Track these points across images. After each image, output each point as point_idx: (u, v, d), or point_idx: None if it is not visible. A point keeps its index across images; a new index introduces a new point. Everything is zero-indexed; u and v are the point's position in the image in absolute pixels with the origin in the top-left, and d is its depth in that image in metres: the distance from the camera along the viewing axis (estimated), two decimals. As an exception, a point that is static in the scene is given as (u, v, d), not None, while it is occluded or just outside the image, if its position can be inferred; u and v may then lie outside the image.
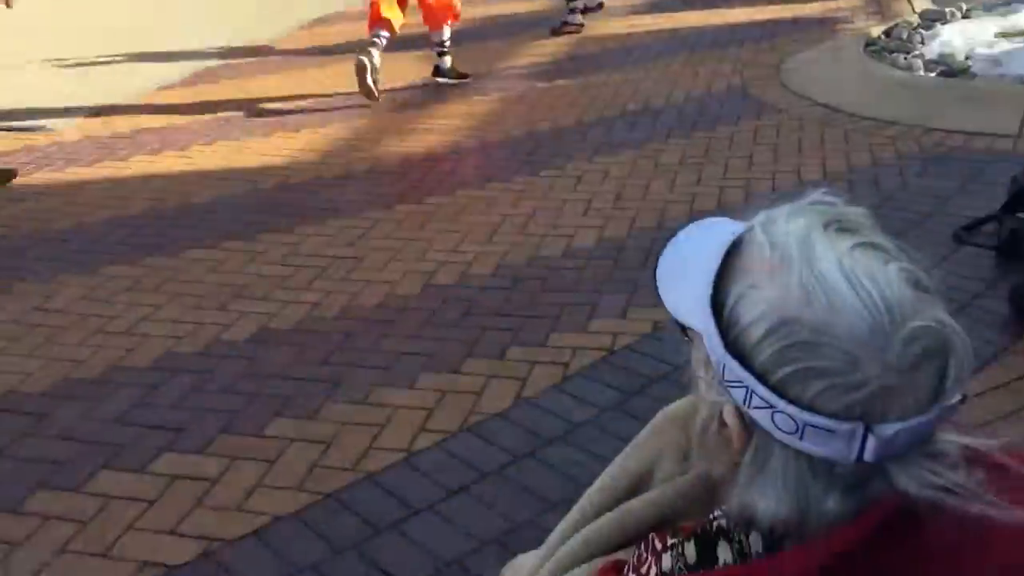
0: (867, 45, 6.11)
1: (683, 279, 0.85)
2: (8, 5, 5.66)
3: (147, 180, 4.98)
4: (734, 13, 8.23)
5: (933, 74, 5.50)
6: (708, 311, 0.78)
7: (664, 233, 4.02)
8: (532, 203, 4.43)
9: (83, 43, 8.27)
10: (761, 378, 0.74)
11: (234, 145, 5.50)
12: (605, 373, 2.99)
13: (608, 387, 2.91)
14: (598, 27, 8.07)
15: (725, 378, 0.76)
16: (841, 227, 0.79)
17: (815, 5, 8.36)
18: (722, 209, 4.19)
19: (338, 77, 6.71)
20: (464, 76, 6.55)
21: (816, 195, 0.84)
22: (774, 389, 0.73)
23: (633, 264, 3.72)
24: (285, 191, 4.77)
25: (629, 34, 7.73)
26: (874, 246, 0.77)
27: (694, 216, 3.99)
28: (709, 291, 0.78)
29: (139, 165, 5.21)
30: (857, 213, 0.81)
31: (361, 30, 6.86)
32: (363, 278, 3.76)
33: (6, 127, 5.96)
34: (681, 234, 0.93)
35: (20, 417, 2.93)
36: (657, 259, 0.92)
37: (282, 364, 3.15)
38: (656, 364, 2.99)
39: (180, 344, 3.32)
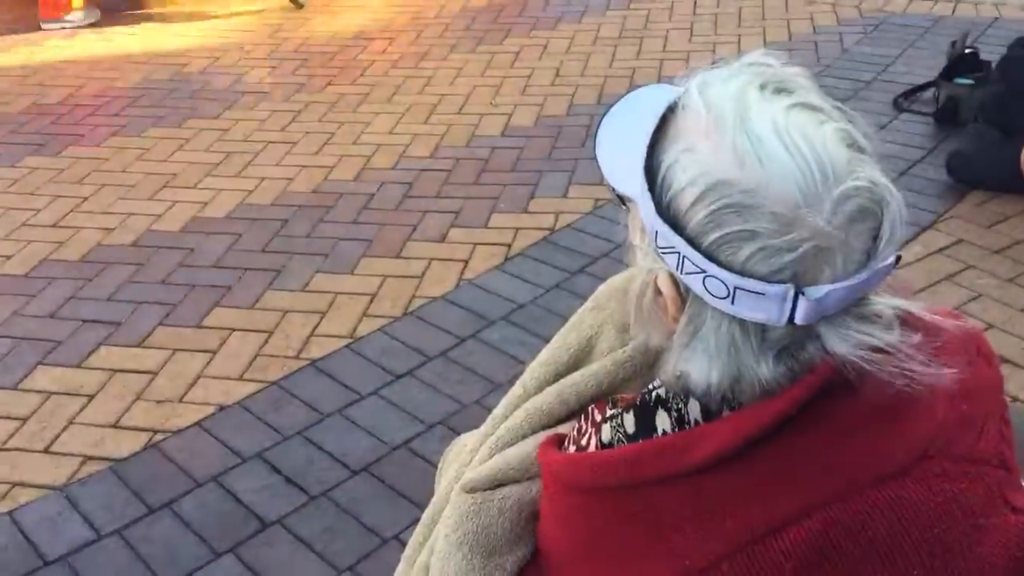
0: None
1: (620, 146, 0.82)
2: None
3: (65, 65, 4.74)
4: None
5: (874, -61, 5.40)
6: (642, 177, 0.75)
7: (603, 109, 3.96)
8: (470, 81, 4.32)
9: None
10: (693, 242, 0.72)
11: (157, 27, 5.24)
12: (547, 252, 2.98)
13: (551, 267, 2.90)
14: None
15: (659, 244, 0.75)
16: (778, 88, 0.76)
17: None
18: (662, 82, 4.12)
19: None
20: None
21: (754, 56, 0.81)
22: (706, 254, 0.71)
23: (573, 142, 3.67)
24: (212, 75, 4.58)
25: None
26: (810, 107, 0.75)
27: (632, 90, 3.93)
28: (643, 156, 0.76)
29: (55, 49, 4.94)
30: (794, 73, 0.78)
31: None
32: (297, 163, 3.66)
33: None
34: (619, 101, 0.90)
35: (-53, 316, 2.83)
36: (597, 128, 0.89)
37: (218, 253, 3.08)
38: (598, 242, 2.98)
39: (111, 236, 3.21)
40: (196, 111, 4.16)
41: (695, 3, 5.03)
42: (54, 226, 3.29)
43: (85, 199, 3.46)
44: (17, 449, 2.32)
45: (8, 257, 3.11)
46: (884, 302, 0.75)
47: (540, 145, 3.68)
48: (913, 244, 2.83)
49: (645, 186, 0.75)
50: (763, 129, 0.71)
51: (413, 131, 3.87)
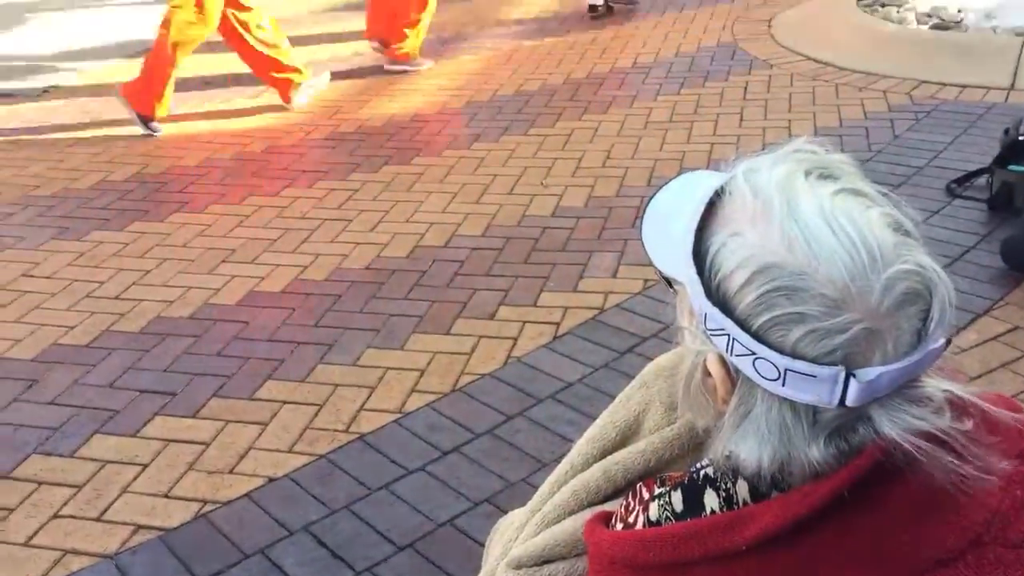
0: (859, -1, 6.05)
1: (667, 230, 0.84)
2: None
3: (133, 144, 4.93)
4: (724, -32, 8.14)
5: (925, 27, 5.45)
6: (690, 260, 0.77)
7: (652, 191, 4.00)
8: (521, 162, 4.40)
9: (68, 20, 8.18)
10: (742, 325, 0.73)
11: (223, 107, 5.44)
12: (596, 332, 2.99)
13: (599, 346, 2.91)
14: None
15: (708, 326, 0.76)
16: (823, 174, 0.78)
17: (806, -41, 8.27)
18: (712, 167, 4.17)
19: (328, 38, 6.64)
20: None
21: (798, 143, 0.83)
22: (755, 336, 0.73)
23: (623, 223, 3.70)
24: (273, 153, 4.74)
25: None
26: (856, 192, 0.77)
27: (683, 173, 3.98)
28: (691, 240, 0.78)
29: (123, 129, 5.14)
30: (840, 160, 0.81)
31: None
32: (352, 240, 3.74)
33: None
34: (666, 186, 0.93)
35: (11, 383, 2.92)
36: (643, 212, 0.91)
37: (273, 327, 3.15)
38: (647, 322, 2.99)
39: (170, 308, 3.30)
40: (257, 189, 4.29)
41: (745, 89, 5.10)
42: (116, 298, 3.39)
43: (147, 272, 3.56)
44: (71, 516, 2.36)
45: (71, 327, 3.21)
46: (935, 385, 0.76)
47: (590, 225, 3.73)
48: (968, 331, 2.79)
49: (694, 269, 0.77)
50: (810, 214, 0.73)
51: (465, 210, 3.94)
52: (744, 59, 5.61)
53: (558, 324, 3.05)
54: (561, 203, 3.95)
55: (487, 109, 5.22)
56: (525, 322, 3.08)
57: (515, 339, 2.99)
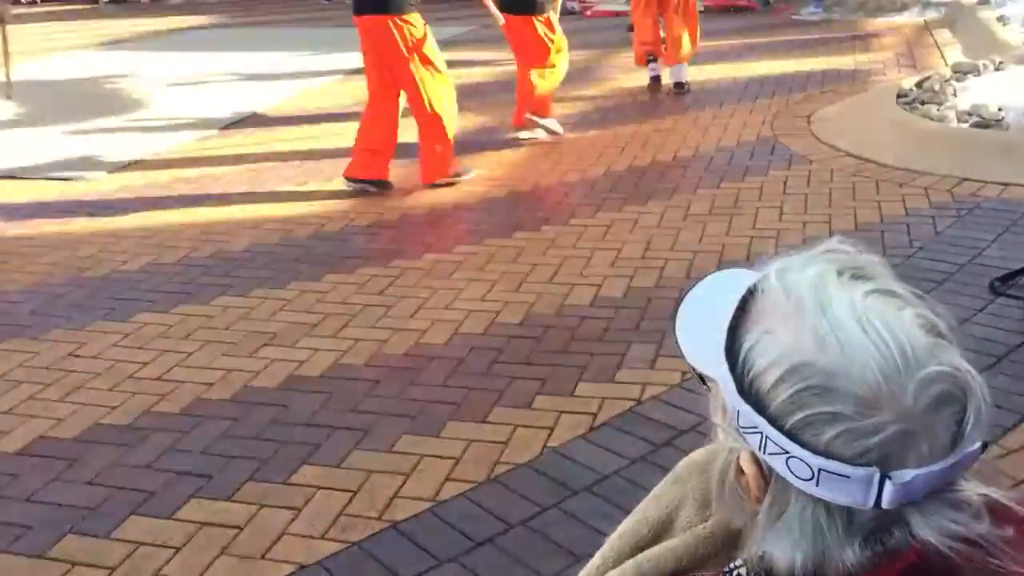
0: (899, 96, 6.11)
1: (700, 327, 0.85)
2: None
3: (182, 228, 5.06)
4: (764, 65, 8.30)
5: (966, 125, 5.48)
6: (723, 357, 0.78)
7: (693, 283, 4.01)
8: (561, 252, 4.44)
9: (117, 101, 8.51)
10: (775, 423, 0.73)
11: (269, 194, 5.58)
12: (633, 424, 2.97)
13: (636, 438, 2.89)
14: (627, 80, 8.14)
15: (740, 424, 0.76)
16: (855, 274, 0.79)
17: (846, 58, 8.41)
18: (751, 261, 4.18)
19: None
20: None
21: (831, 243, 0.84)
22: (788, 434, 0.72)
23: (661, 314, 3.70)
24: (317, 239, 4.83)
25: (654, 87, 7.79)
26: (889, 292, 0.77)
27: (723, 267, 3.99)
28: (724, 337, 0.78)
29: (175, 214, 5.29)
30: (872, 261, 0.81)
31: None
32: (391, 326, 3.78)
33: (46, 175, 6.10)
34: (700, 283, 0.94)
35: (51, 462, 2.95)
36: (676, 309, 0.92)
37: (310, 411, 3.17)
38: (685, 416, 2.96)
39: (210, 391, 3.34)
40: (300, 274, 4.36)
41: (785, 183, 5.13)
42: (158, 379, 3.44)
43: (190, 354, 3.62)
44: (102, 598, 2.36)
45: (113, 408, 3.25)
46: (973, 489, 0.75)
47: (629, 316, 3.73)
48: (1012, 433, 2.72)
49: (727, 367, 0.77)
50: (842, 314, 0.74)
51: (504, 299, 3.97)
52: (784, 154, 5.67)
53: (595, 415, 3.04)
54: (600, 293, 3.97)
55: (527, 199, 5.30)
56: (562, 412, 3.07)
57: (551, 429, 2.97)
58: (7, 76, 4.75)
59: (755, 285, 0.81)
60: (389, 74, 5.37)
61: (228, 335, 3.78)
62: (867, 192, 4.88)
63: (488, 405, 3.14)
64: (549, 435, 2.94)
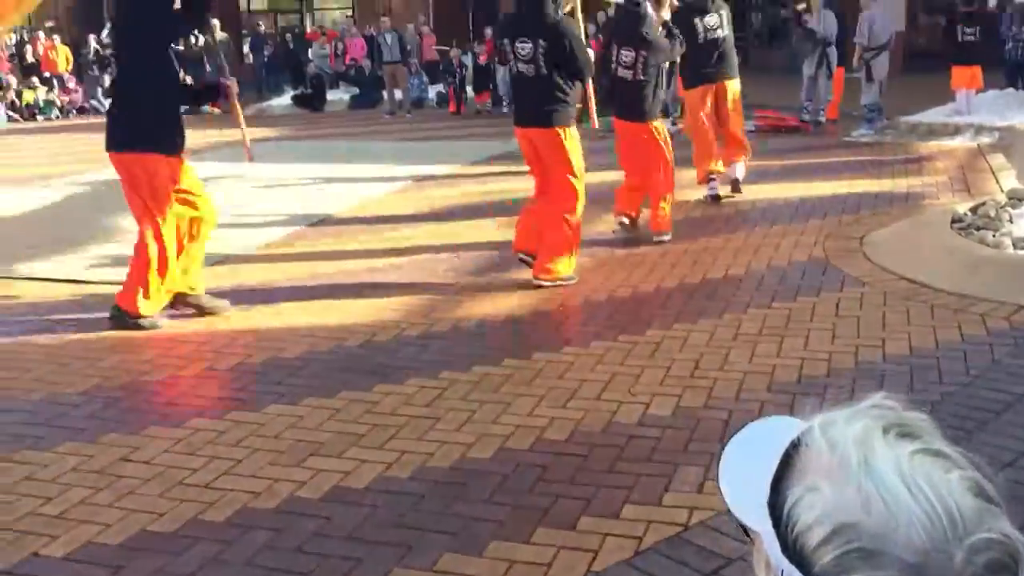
0: (954, 221, 6.09)
1: (743, 478, 0.85)
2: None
3: (240, 334, 5.17)
4: (815, 185, 8.35)
5: (1023, 252, 5.43)
6: (766, 513, 0.78)
7: (742, 405, 3.98)
8: (610, 368, 4.44)
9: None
10: None
11: (324, 303, 5.69)
12: (679, 550, 2.91)
13: (682, 565, 2.82)
14: (679, 196, 8.23)
15: (785, 582, 0.76)
16: (902, 432, 0.79)
17: (900, 180, 8.44)
18: (803, 383, 4.13)
19: (429, 236, 6.98)
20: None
21: (875, 399, 0.85)
22: None
23: (710, 436, 3.66)
24: (368, 349, 4.89)
25: (708, 204, 7.87)
26: (936, 453, 0.77)
27: (774, 388, 3.96)
28: (767, 492, 0.79)
29: (235, 319, 5.42)
30: (918, 419, 0.81)
31: (443, 192, 7.14)
32: (438, 439, 3.78)
33: (110, 280, 6.29)
34: (742, 432, 0.95)
35: (97, 568, 2.97)
36: (719, 457, 0.93)
37: (353, 525, 3.15)
38: (732, 544, 2.89)
39: (256, 500, 3.35)
40: (349, 383, 4.41)
41: (837, 305, 5.11)
42: (206, 487, 3.47)
43: (239, 462, 3.65)
44: None
45: (160, 515, 3.28)
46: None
47: (677, 437, 3.69)
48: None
49: (770, 521, 0.77)
50: (888, 473, 0.74)
51: (551, 414, 3.96)
52: (836, 275, 5.65)
53: (640, 539, 2.98)
54: (648, 412, 3.94)
55: (578, 314, 5.34)
56: (606, 535, 3.02)
57: (595, 552, 2.92)
58: (246, 144, 5.43)
59: (799, 438, 0.82)
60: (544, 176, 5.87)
61: (277, 443, 3.81)
62: (922, 317, 4.83)
63: (532, 524, 3.10)
64: (593, 559, 2.89)
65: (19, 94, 20.09)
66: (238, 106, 5.57)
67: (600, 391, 4.19)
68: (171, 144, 5.12)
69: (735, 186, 8.05)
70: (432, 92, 19.19)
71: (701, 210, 7.72)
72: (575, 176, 5.71)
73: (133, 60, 5.14)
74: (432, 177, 9.97)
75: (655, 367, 4.42)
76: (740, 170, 8.09)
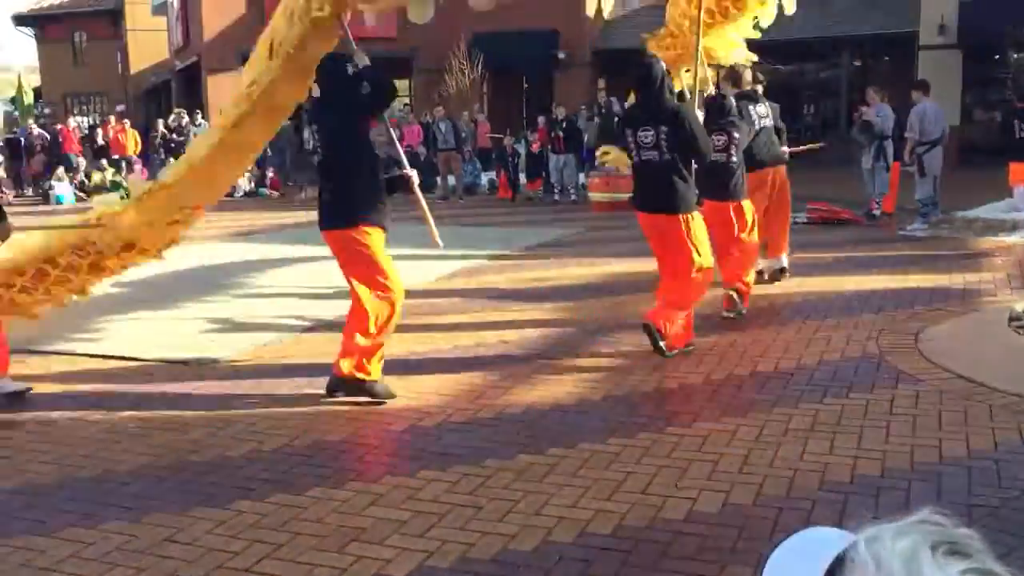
0: (1012, 319, 5.97)
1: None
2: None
3: (288, 416, 5.20)
4: (869, 279, 8.27)
5: (1084, 351, 5.29)
6: (807, 629, 0.76)
7: (793, 503, 3.88)
8: (656, 461, 4.37)
9: (237, 289, 9.00)
10: None
11: (370, 386, 5.71)
12: (726, 655, 2.81)
13: (728, 671, 2.72)
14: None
15: None
16: (951, 550, 0.77)
17: (956, 276, 8.32)
18: (856, 483, 4.02)
19: (477, 321, 7.00)
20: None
21: (924, 514, 0.83)
22: None
23: (759, 535, 3.56)
24: (413, 434, 4.89)
25: (760, 296, 7.82)
26: (987, 573, 0.75)
27: (826, 487, 3.86)
28: (810, 609, 0.77)
29: (283, 401, 5.46)
30: (968, 536, 0.80)
31: (493, 277, 7.20)
32: (480, 529, 3.74)
33: (163, 358, 6.42)
34: (785, 544, 0.93)
35: (134, 649, 2.95)
36: (763, 566, 0.91)
37: (392, 615, 3.11)
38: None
39: (296, 585, 3.33)
40: (394, 468, 4.40)
41: (891, 403, 4.99)
42: (247, 570, 3.45)
43: (280, 546, 3.64)
44: None
45: (200, 596, 3.27)
46: None
47: (724, 535, 3.60)
48: None
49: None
50: (935, 595, 0.72)
51: (596, 507, 3.90)
52: (890, 372, 5.54)
53: (685, 642, 2.89)
54: (695, 507, 3.86)
55: (624, 404, 5.29)
56: (650, 636, 2.93)
57: (638, 655, 2.83)
58: (432, 232, 5.82)
59: (844, 553, 0.80)
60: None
61: (319, 527, 3.80)
62: (980, 417, 4.70)
63: (574, 622, 3.02)
64: (636, 661, 2.80)
65: (88, 175, 20.90)
66: (420, 195, 5.85)
67: (646, 484, 4.12)
68: (378, 216, 5.42)
69: (781, 272, 8.38)
70: (484, 178, 19.54)
71: (751, 302, 7.66)
72: (695, 262, 6.03)
73: (335, 145, 5.43)
74: (482, 262, 10.08)
75: (703, 461, 4.35)
76: (783, 259, 8.41)
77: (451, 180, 18.15)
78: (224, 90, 18.20)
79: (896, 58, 21.52)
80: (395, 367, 6.07)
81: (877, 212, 12.46)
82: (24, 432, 5.04)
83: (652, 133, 5.96)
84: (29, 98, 33.02)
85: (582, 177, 16.73)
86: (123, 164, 21.00)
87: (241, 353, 6.54)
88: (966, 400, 4.96)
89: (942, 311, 6.95)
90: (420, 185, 6.02)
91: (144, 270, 7.12)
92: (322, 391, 5.49)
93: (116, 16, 34.07)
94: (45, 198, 19.99)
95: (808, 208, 12.41)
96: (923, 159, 11.41)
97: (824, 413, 4.91)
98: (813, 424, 4.76)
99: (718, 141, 6.86)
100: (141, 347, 6.72)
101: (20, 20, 36.11)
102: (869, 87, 13.13)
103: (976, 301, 7.27)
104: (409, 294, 8.41)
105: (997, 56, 20.42)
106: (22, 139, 22.11)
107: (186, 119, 22.34)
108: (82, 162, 21.26)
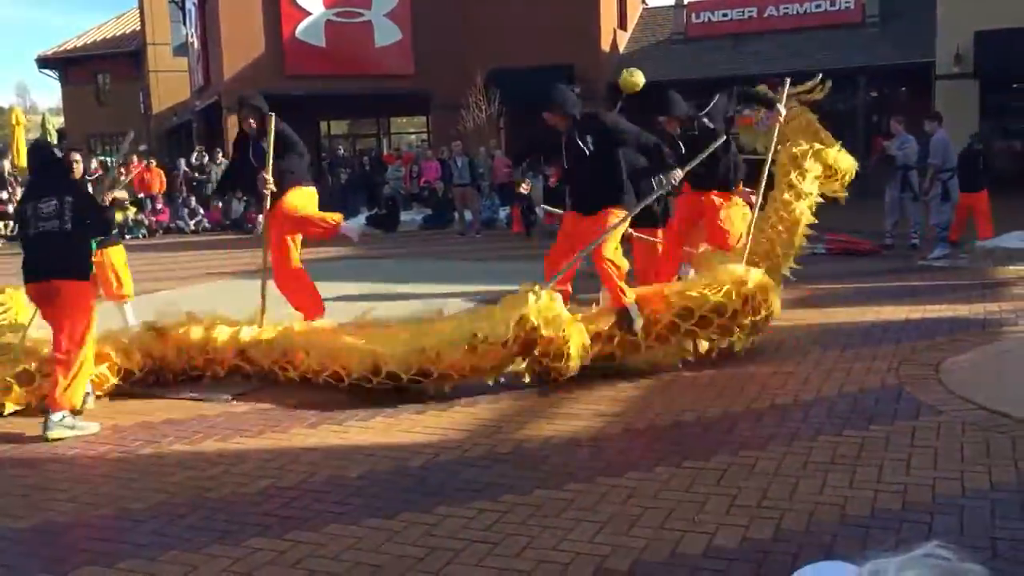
0: (1033, 350, 5.91)
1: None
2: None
3: (302, 452, 5.20)
4: (889, 310, 8.21)
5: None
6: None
7: (813, 538, 3.83)
8: (674, 495, 4.33)
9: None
10: None
11: (388, 421, 5.72)
12: None
13: None
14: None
15: None
16: (954, 585, 0.76)
17: (976, 306, 8.26)
18: (877, 517, 3.97)
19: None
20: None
21: (930, 547, 0.82)
22: None
23: (779, 571, 3.51)
24: (430, 470, 4.87)
25: (778, 327, 7.77)
26: (989, 609, 0.74)
27: (845, 522, 3.81)
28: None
29: (298, 437, 5.47)
30: (973, 571, 0.78)
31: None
32: (496, 565, 3.71)
33: (183, 395, 6.44)
34: (796, 574, 0.92)
35: None
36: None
37: (407, 654, 3.08)
38: None
39: (311, 623, 3.30)
40: (411, 503, 4.38)
41: (912, 435, 4.93)
42: (262, 607, 3.44)
43: (296, 583, 3.62)
44: None
45: (215, 634, 3.25)
46: None
47: (742, 570, 3.56)
48: None
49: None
50: (938, 630, 0.71)
51: (613, 542, 3.86)
52: (911, 403, 5.48)
53: None
54: (713, 542, 3.81)
55: (642, 437, 5.25)
56: (668, 674, 2.89)
57: None
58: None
59: (847, 589, 0.79)
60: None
61: (335, 565, 3.78)
62: (1003, 450, 4.63)
63: (591, 660, 2.98)
64: None
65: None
66: None
67: (663, 519, 4.08)
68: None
69: None
70: (503, 213, 19.60)
71: (770, 333, 7.62)
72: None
73: None
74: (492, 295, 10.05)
75: (721, 495, 4.30)
76: None
77: (468, 215, 18.23)
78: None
79: (913, 88, 21.51)
80: (412, 401, 6.07)
81: (916, 242, 12.31)
82: (42, 470, 5.06)
83: None
84: (53, 138, 33.58)
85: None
86: (147, 203, 21.24)
87: (256, 389, 6.56)
88: (988, 432, 4.89)
89: (963, 341, 6.88)
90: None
91: (160, 305, 7.18)
92: (337, 427, 5.50)
93: (138, 57, 34.67)
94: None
95: (827, 239, 12.37)
96: (948, 185, 11.41)
97: (844, 446, 4.85)
98: (833, 457, 4.70)
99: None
100: (161, 385, 6.74)
101: (44, 63, 36.81)
102: (893, 118, 13.11)
103: (997, 331, 7.20)
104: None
105: (1015, 85, 20.39)
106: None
107: (207, 158, 22.61)
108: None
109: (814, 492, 4.28)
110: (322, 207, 7.84)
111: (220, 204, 21.24)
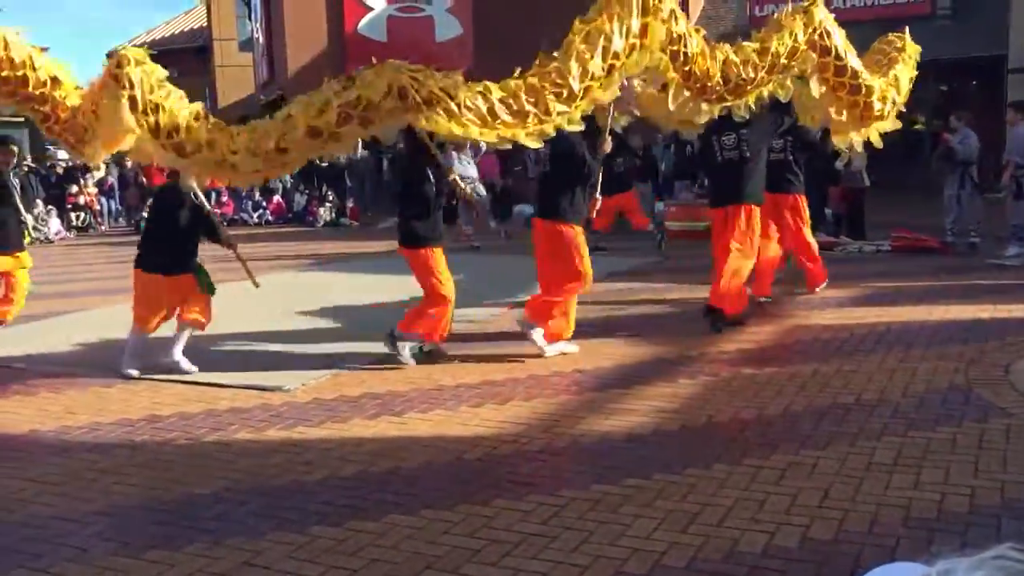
0: (1108, 349, 5.72)
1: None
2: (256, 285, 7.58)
3: (363, 443, 5.27)
4: (956, 309, 8.02)
5: None
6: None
7: (875, 539, 3.77)
8: (732, 493, 4.29)
9: (315, 316, 9.16)
10: None
11: (447, 414, 5.76)
12: None
13: None
14: (809, 317, 8.05)
15: None
16: (1026, 588, 0.75)
17: (1048, 304, 8.02)
18: (942, 519, 3.89)
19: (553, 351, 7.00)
20: None
21: (1002, 548, 0.81)
22: None
23: (839, 571, 3.47)
24: (487, 462, 4.90)
25: (841, 325, 7.66)
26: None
27: (909, 524, 3.74)
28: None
29: (358, 428, 5.54)
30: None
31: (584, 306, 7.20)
32: (552, 559, 3.71)
33: (248, 384, 6.57)
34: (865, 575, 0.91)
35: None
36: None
37: (464, 644, 3.11)
38: None
39: (370, 611, 3.35)
40: (468, 496, 4.41)
41: (981, 437, 4.82)
42: (322, 594, 3.50)
43: (355, 571, 3.67)
44: None
45: (277, 619, 3.31)
46: None
47: (802, 571, 3.51)
48: None
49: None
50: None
51: (670, 539, 3.85)
52: (979, 404, 5.36)
53: None
54: (772, 542, 3.77)
55: (700, 435, 5.21)
56: (726, 673, 2.87)
57: None
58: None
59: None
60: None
61: (393, 554, 3.83)
62: (1076, 453, 4.50)
63: (647, 656, 2.98)
64: None
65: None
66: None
67: (722, 517, 4.04)
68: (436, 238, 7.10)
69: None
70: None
71: (832, 332, 7.50)
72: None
73: (405, 179, 7.37)
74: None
75: (781, 494, 4.25)
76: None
77: (528, 209, 18.27)
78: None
79: (983, 82, 20.93)
80: (470, 395, 6.11)
81: (976, 240, 12.00)
82: (112, 455, 5.20)
83: (733, 136, 7.64)
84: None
85: (660, 206, 16.64)
86: (212, 195, 21.67)
87: (319, 379, 6.66)
88: (1061, 434, 4.76)
89: (1035, 342, 6.70)
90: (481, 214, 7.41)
91: (224, 297, 7.33)
92: (397, 418, 5.57)
93: (205, 53, 35.34)
94: (137, 229, 20.73)
95: (892, 235, 12.11)
96: (1021, 181, 11.04)
97: (909, 447, 4.76)
98: (897, 458, 4.62)
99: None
100: (220, 373, 6.89)
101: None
102: (952, 113, 12.76)
103: (1071, 331, 6.99)
104: (484, 325, 8.50)
105: (1091, 77, 19.68)
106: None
107: (270, 151, 22.93)
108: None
109: (878, 493, 4.21)
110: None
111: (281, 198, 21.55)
